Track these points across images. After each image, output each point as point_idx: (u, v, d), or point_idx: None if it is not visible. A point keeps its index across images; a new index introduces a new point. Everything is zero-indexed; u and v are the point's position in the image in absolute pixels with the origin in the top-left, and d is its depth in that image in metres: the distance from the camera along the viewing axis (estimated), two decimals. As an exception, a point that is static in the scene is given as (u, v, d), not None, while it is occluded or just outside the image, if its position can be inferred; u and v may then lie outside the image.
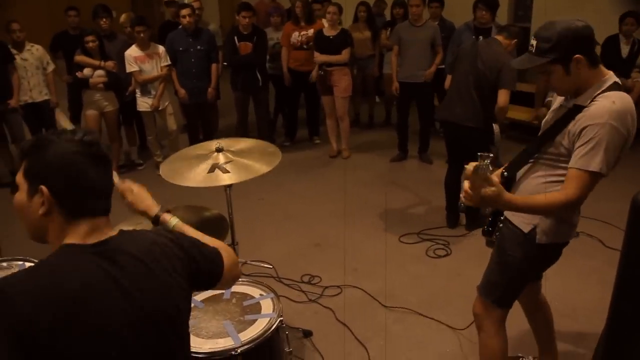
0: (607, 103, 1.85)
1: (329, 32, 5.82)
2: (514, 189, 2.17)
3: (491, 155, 1.76)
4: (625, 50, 5.92)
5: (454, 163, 4.29)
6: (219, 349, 2.03)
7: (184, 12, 5.56)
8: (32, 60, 5.43)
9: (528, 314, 2.64)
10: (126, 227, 2.45)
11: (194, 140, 6.02)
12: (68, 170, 1.19)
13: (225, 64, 6.23)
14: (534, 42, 1.96)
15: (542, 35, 1.93)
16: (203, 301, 2.33)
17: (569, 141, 1.93)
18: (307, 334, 3.09)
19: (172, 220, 1.63)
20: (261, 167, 2.55)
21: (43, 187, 1.19)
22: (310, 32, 6.03)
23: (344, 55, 5.80)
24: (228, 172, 2.52)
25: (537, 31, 1.96)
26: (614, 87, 1.91)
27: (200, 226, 2.56)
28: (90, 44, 5.29)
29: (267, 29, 6.30)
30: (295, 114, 6.73)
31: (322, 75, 5.87)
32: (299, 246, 4.19)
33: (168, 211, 1.67)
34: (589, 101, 1.91)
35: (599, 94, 1.90)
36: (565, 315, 3.20)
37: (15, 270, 2.31)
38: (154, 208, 1.70)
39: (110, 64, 5.42)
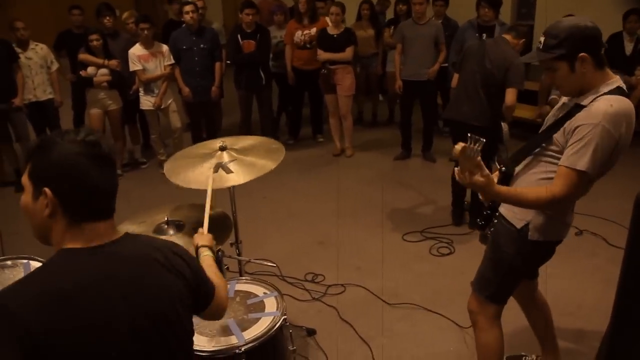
0: (604, 105, 1.86)
1: (332, 30, 5.81)
2: (512, 184, 2.18)
3: (483, 140, 1.78)
4: (629, 47, 5.90)
5: None
6: (223, 347, 2.03)
7: (187, 8, 5.56)
8: (37, 59, 5.44)
9: (525, 312, 2.65)
10: (129, 226, 2.46)
11: (197, 138, 6.02)
12: (71, 173, 1.20)
13: (228, 62, 6.23)
14: (542, 38, 1.98)
15: (550, 32, 1.95)
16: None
17: (564, 138, 1.95)
18: (311, 332, 3.09)
19: (202, 253, 1.76)
20: (265, 164, 2.55)
21: (47, 190, 1.20)
22: (313, 30, 6.03)
23: (348, 53, 5.80)
24: (232, 172, 2.52)
25: (547, 28, 1.98)
26: (617, 91, 1.92)
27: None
28: (95, 43, 5.31)
29: (271, 27, 6.30)
30: (299, 113, 6.73)
31: (326, 73, 5.86)
32: (302, 244, 4.20)
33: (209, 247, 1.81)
34: (589, 102, 1.92)
35: (600, 95, 1.90)
36: (568, 313, 3.20)
37: (20, 268, 2.33)
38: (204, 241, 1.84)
39: (114, 62, 5.43)
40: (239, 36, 5.88)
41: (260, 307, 2.26)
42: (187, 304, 1.35)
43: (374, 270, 3.77)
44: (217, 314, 1.55)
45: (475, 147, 1.79)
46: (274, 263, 3.09)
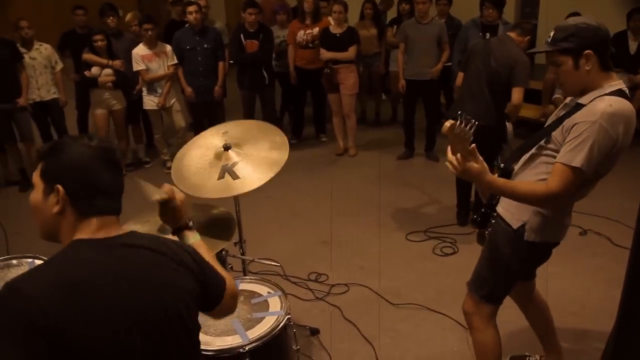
0: (603, 104, 1.86)
1: (335, 29, 5.81)
2: None
3: (475, 122, 1.78)
4: (633, 46, 5.88)
5: None
6: (227, 347, 2.03)
7: (191, 8, 5.57)
8: (41, 59, 5.45)
9: (523, 312, 2.65)
10: (133, 225, 2.47)
11: (200, 138, 6.03)
12: (84, 172, 1.26)
13: (231, 62, 6.24)
14: (552, 32, 1.98)
15: (560, 26, 1.96)
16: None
17: (562, 136, 1.95)
18: (314, 331, 3.09)
19: (192, 238, 1.60)
20: (273, 160, 2.54)
21: (59, 187, 1.25)
22: (316, 30, 6.02)
23: (351, 52, 5.80)
24: (238, 177, 2.52)
25: (558, 24, 1.99)
26: (619, 93, 1.91)
27: (209, 224, 2.59)
28: (99, 43, 5.32)
29: (273, 27, 6.30)
30: (302, 112, 6.73)
31: (329, 73, 5.86)
32: (305, 244, 4.20)
33: (191, 227, 1.61)
34: (589, 101, 1.92)
35: (601, 96, 1.90)
36: (572, 313, 3.20)
37: (25, 267, 2.34)
38: (184, 218, 1.61)
39: (117, 62, 5.44)
40: (241, 36, 5.89)
41: (264, 306, 2.26)
42: (196, 298, 1.37)
43: (377, 270, 3.77)
44: (231, 307, 1.55)
45: (467, 128, 1.78)
46: (278, 262, 3.10)
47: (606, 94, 1.90)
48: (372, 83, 7.09)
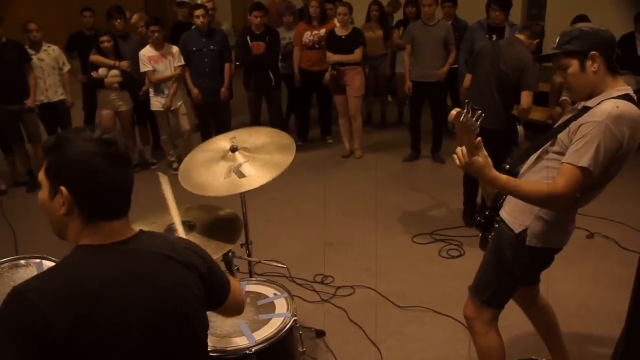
0: (609, 106, 1.85)
1: (340, 31, 5.82)
2: None
3: (481, 112, 1.79)
4: (641, 48, 5.85)
5: None
6: (233, 348, 2.03)
7: (198, 12, 5.59)
8: (49, 60, 5.48)
9: (528, 316, 2.63)
10: (140, 227, 2.47)
11: (206, 139, 6.03)
12: (86, 172, 1.21)
13: (237, 63, 6.25)
14: (557, 38, 2.00)
15: (565, 31, 1.98)
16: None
17: (568, 138, 1.94)
18: (320, 333, 3.09)
19: None
20: (278, 162, 2.56)
21: (63, 189, 1.21)
22: (322, 31, 6.03)
23: (357, 54, 5.80)
24: (244, 176, 2.53)
25: (563, 30, 2.01)
26: (626, 97, 1.91)
27: (215, 226, 2.59)
28: (106, 44, 5.35)
29: (280, 29, 6.31)
30: (308, 114, 6.74)
31: (335, 74, 5.87)
32: (311, 246, 4.20)
33: None
34: (596, 103, 1.92)
35: (608, 99, 1.90)
36: (579, 317, 3.18)
37: (33, 267, 2.35)
38: None
39: (124, 63, 5.46)
40: (248, 38, 5.90)
41: (270, 308, 2.26)
42: (204, 299, 1.37)
43: (383, 272, 3.76)
44: (236, 308, 1.55)
45: (473, 118, 1.78)
46: (284, 264, 3.11)
47: (613, 97, 1.89)
48: (378, 85, 7.09)
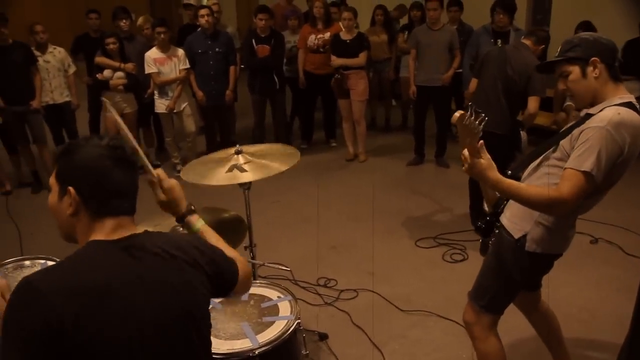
0: (611, 112, 1.87)
1: (345, 36, 5.83)
2: None
3: (484, 116, 1.79)
4: (646, 54, 5.84)
5: None
6: (236, 350, 2.04)
7: (203, 12, 5.61)
8: (54, 62, 5.51)
9: (529, 321, 2.63)
10: (145, 227, 2.48)
11: (211, 142, 6.07)
12: (93, 172, 1.27)
13: (242, 66, 6.27)
14: (560, 47, 2.03)
15: (565, 40, 2.02)
16: (221, 302, 2.35)
17: (570, 145, 1.95)
18: (323, 337, 3.09)
19: (197, 223, 1.59)
20: (279, 166, 2.59)
21: (70, 188, 1.27)
22: (327, 35, 6.05)
23: (361, 58, 5.81)
24: (246, 170, 2.56)
25: (566, 39, 2.04)
26: (628, 105, 1.92)
27: (219, 228, 2.60)
28: (111, 46, 5.38)
29: (284, 32, 6.33)
30: (312, 117, 6.75)
31: (339, 78, 5.88)
32: (315, 249, 4.20)
33: (194, 212, 1.60)
34: (598, 110, 1.93)
35: (611, 106, 1.91)
36: (583, 322, 3.17)
37: (38, 268, 2.36)
38: (183, 205, 1.59)
39: (130, 65, 5.49)
40: (253, 41, 5.92)
41: (274, 310, 2.26)
42: (209, 297, 1.38)
43: (386, 276, 3.76)
44: (245, 287, 1.57)
45: (476, 122, 1.79)
46: (288, 267, 3.11)
47: (616, 105, 1.91)
48: (382, 89, 7.10)
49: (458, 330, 3.13)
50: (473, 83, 4.42)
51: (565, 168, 1.91)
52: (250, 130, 6.64)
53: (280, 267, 3.01)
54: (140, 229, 1.35)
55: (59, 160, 1.30)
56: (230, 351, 2.04)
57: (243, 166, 2.60)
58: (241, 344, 2.07)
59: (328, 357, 2.96)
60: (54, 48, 5.56)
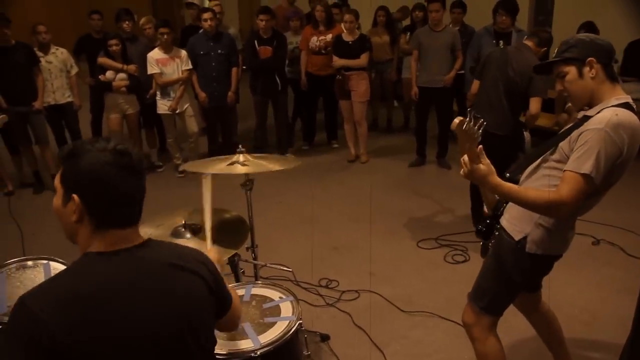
0: (609, 114, 1.87)
1: (347, 37, 5.83)
2: None
3: (483, 121, 1.81)
4: (648, 55, 5.83)
5: None
6: (238, 351, 2.04)
7: (206, 15, 5.62)
8: (57, 63, 5.52)
9: (530, 322, 2.63)
10: (147, 229, 2.49)
11: (213, 143, 6.08)
12: (99, 182, 1.23)
13: (244, 67, 6.28)
14: (546, 49, 2.06)
15: (563, 41, 2.04)
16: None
17: (569, 147, 1.96)
18: (325, 337, 3.09)
19: None
20: (278, 165, 2.63)
21: (75, 197, 1.24)
22: (329, 36, 6.05)
23: (363, 59, 5.81)
24: (246, 165, 2.59)
25: (563, 40, 2.06)
26: (625, 105, 1.93)
27: (221, 229, 2.60)
28: (114, 47, 5.39)
29: (286, 33, 6.34)
30: (314, 118, 6.76)
31: (341, 79, 5.88)
32: (316, 250, 4.20)
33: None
34: (596, 112, 1.94)
35: (608, 107, 1.92)
36: (585, 323, 3.17)
37: (40, 269, 2.37)
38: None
39: (132, 67, 5.50)
40: (255, 42, 5.93)
41: (276, 311, 2.26)
42: (210, 310, 1.37)
43: (388, 277, 3.76)
44: (232, 324, 1.56)
45: (475, 127, 1.80)
46: (290, 268, 3.11)
47: (613, 106, 1.92)
48: (384, 90, 7.11)
49: (459, 331, 3.12)
50: (475, 85, 4.42)
51: (564, 170, 1.91)
52: (252, 131, 6.65)
53: (281, 268, 3.02)
54: (143, 238, 1.33)
55: (64, 163, 1.27)
56: (232, 351, 2.04)
57: (244, 163, 2.64)
58: (243, 344, 2.06)
59: (329, 358, 2.96)
60: (57, 49, 5.57)
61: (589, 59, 1.94)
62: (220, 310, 1.45)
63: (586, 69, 1.95)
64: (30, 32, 5.45)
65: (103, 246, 1.26)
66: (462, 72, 5.87)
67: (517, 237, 2.12)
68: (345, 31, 5.86)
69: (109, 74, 5.47)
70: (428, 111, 5.86)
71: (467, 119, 1.80)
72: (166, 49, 5.52)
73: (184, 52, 5.63)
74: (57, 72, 5.52)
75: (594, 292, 3.51)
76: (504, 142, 3.87)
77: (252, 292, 2.39)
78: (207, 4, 6.68)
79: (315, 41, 6.10)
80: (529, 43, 3.91)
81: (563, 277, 3.46)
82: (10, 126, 5.29)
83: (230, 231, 2.62)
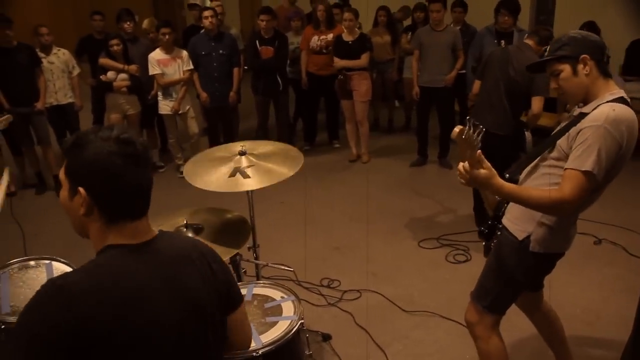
0: (606, 109, 1.89)
1: (347, 37, 5.83)
2: None
3: (483, 128, 1.81)
4: (650, 54, 5.83)
5: None
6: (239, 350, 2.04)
7: (207, 13, 5.63)
8: (59, 63, 5.53)
9: (532, 321, 2.63)
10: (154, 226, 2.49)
11: (214, 143, 6.07)
12: (104, 174, 1.19)
13: (246, 67, 6.29)
14: (548, 47, 2.07)
15: (554, 39, 2.06)
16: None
17: (567, 144, 1.96)
18: (326, 337, 3.09)
19: None
20: (283, 172, 2.59)
21: (81, 190, 1.20)
22: (330, 36, 6.06)
23: (363, 59, 5.81)
24: (249, 177, 2.55)
25: (554, 38, 2.09)
26: (620, 100, 1.94)
27: (223, 229, 2.61)
28: (115, 47, 5.40)
29: (288, 33, 6.34)
30: (315, 118, 6.76)
31: (342, 79, 5.88)
32: (318, 250, 4.20)
33: None
34: (592, 108, 1.95)
35: (603, 103, 1.93)
36: (587, 323, 3.17)
37: (42, 268, 2.37)
38: None
39: (133, 67, 5.51)
40: (257, 42, 5.93)
41: (277, 310, 2.27)
42: (223, 302, 1.38)
43: (389, 277, 3.77)
44: (242, 330, 1.51)
45: (475, 134, 1.80)
46: (291, 268, 3.11)
47: (608, 101, 1.93)
48: (386, 90, 7.11)
49: (461, 331, 3.13)
50: (476, 85, 4.42)
51: (565, 169, 1.92)
52: (253, 131, 6.66)
53: (283, 267, 3.02)
54: (155, 231, 1.31)
55: (68, 155, 1.23)
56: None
57: (246, 170, 2.59)
58: (244, 344, 2.07)
59: (331, 358, 2.97)
60: (58, 49, 5.58)
61: (583, 56, 1.95)
62: (230, 303, 1.43)
63: (580, 66, 1.97)
64: (32, 33, 5.47)
65: (123, 239, 1.23)
66: (464, 72, 5.87)
67: (520, 237, 2.12)
68: (345, 30, 5.86)
69: (110, 74, 5.48)
70: (429, 111, 5.86)
71: (467, 127, 1.80)
72: (167, 50, 5.52)
73: (185, 53, 5.64)
74: (59, 73, 5.53)
75: (595, 291, 3.51)
76: (505, 142, 3.87)
77: (253, 292, 2.39)
78: (208, 4, 6.68)
79: (316, 41, 6.11)
80: (530, 42, 3.90)
81: (565, 277, 3.46)
82: (12, 127, 5.31)
83: (232, 231, 2.63)
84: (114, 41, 5.40)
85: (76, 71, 5.71)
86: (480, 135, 1.82)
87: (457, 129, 1.82)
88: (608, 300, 3.41)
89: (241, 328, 1.50)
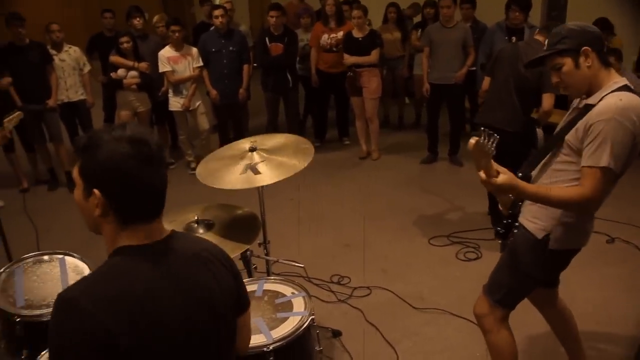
0: (613, 100, 1.87)
1: (357, 33, 5.81)
2: None
3: (497, 136, 1.80)
4: (663, 51, 5.77)
5: None
6: (250, 345, 2.04)
7: (217, 12, 5.63)
8: (70, 61, 5.56)
9: (548, 321, 2.62)
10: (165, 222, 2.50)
11: (224, 139, 6.09)
12: (120, 176, 1.18)
13: (256, 64, 6.29)
14: (546, 41, 2.05)
15: (554, 32, 2.02)
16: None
17: (576, 139, 1.95)
18: (336, 334, 3.10)
19: None
20: (294, 164, 2.58)
21: (96, 191, 1.19)
22: (340, 34, 6.04)
23: (373, 56, 5.80)
24: (259, 173, 2.56)
25: (552, 31, 2.05)
26: (625, 89, 1.93)
27: (234, 225, 2.62)
28: (125, 45, 5.43)
29: (297, 30, 6.34)
30: (325, 115, 6.75)
31: (352, 76, 5.87)
32: (328, 246, 4.20)
33: None
34: (598, 100, 1.93)
35: (608, 93, 1.92)
36: (600, 322, 3.14)
37: (56, 263, 2.40)
38: None
39: (143, 65, 5.53)
40: (266, 39, 5.93)
41: (288, 306, 2.27)
42: (233, 303, 1.38)
43: (400, 274, 3.76)
44: (244, 334, 1.52)
45: (489, 143, 1.79)
46: (302, 264, 3.12)
47: (613, 91, 1.91)
48: (396, 86, 7.08)
49: (471, 328, 3.12)
50: (486, 81, 4.39)
51: (582, 166, 1.91)
52: (263, 128, 6.66)
53: (293, 264, 3.03)
54: (168, 230, 1.31)
55: (82, 155, 1.21)
56: (245, 346, 2.05)
57: (257, 167, 2.60)
58: (255, 339, 2.07)
59: (341, 354, 2.97)
60: (69, 47, 5.61)
61: (584, 48, 1.93)
62: (239, 306, 1.43)
63: (582, 59, 1.95)
64: (44, 30, 5.51)
65: (136, 240, 1.22)
66: (474, 68, 5.83)
67: (539, 236, 2.11)
68: (354, 27, 5.85)
69: (121, 71, 5.51)
70: (439, 108, 5.84)
71: (482, 137, 1.78)
72: (177, 47, 5.54)
73: (194, 50, 5.65)
74: (70, 70, 5.57)
75: (609, 289, 3.48)
76: (515, 139, 3.84)
77: (264, 288, 2.40)
78: (218, 2, 6.70)
79: (326, 39, 6.09)
80: (540, 38, 3.86)
81: (577, 275, 3.42)
82: (25, 124, 5.36)
83: (243, 227, 2.64)
84: (124, 38, 5.43)
85: (87, 68, 5.74)
86: (495, 143, 1.80)
87: (472, 140, 1.80)
88: (620, 298, 3.38)
89: (245, 331, 1.51)
